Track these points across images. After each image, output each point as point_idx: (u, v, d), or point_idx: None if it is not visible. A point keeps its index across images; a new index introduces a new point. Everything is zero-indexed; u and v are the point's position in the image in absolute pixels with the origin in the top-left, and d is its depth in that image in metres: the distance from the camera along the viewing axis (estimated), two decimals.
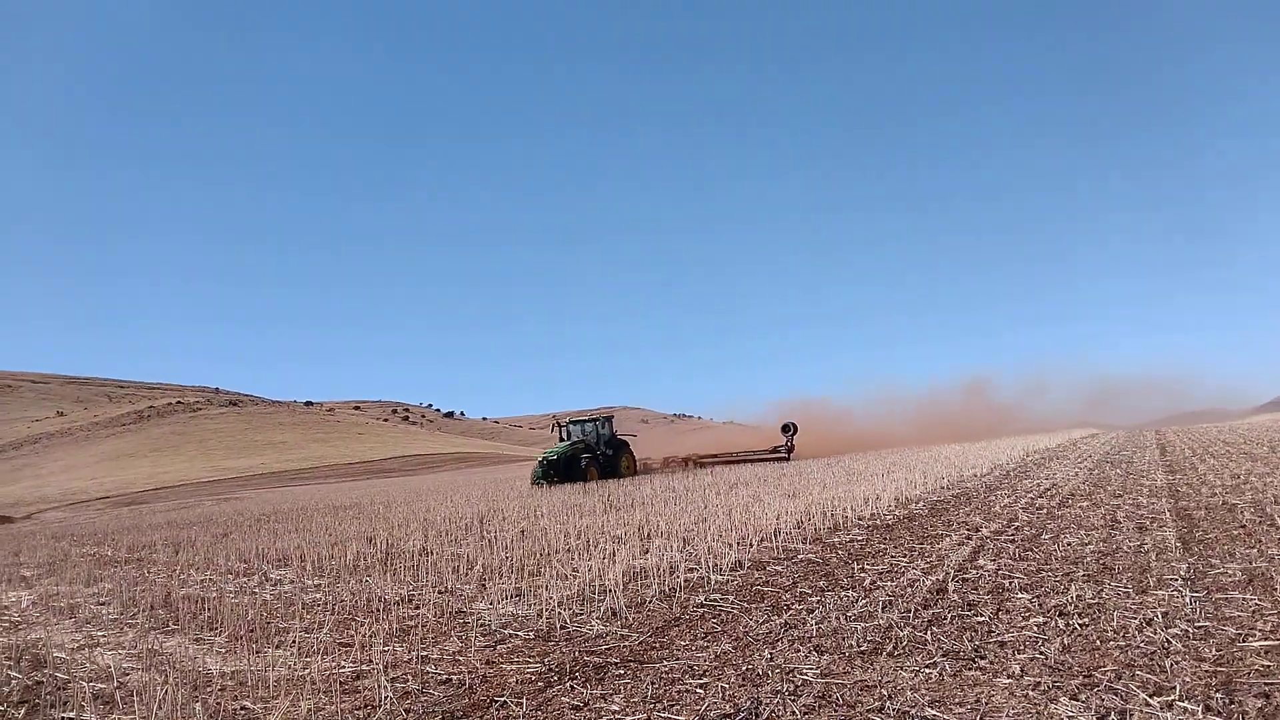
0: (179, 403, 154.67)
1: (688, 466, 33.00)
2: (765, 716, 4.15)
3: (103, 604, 9.48)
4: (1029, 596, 6.18)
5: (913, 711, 4.04)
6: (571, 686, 4.90)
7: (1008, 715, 3.91)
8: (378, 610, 7.60)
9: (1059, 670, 4.47)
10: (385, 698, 4.89)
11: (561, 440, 31.05)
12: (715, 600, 6.87)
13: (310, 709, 4.80)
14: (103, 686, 5.69)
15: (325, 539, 14.38)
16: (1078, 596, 6.03)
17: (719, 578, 7.76)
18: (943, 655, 4.87)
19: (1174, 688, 4.05)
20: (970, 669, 4.61)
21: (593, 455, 29.63)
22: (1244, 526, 8.57)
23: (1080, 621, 5.38)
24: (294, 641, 6.56)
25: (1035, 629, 5.30)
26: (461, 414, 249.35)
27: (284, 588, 9.48)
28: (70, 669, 6.31)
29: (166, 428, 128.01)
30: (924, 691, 4.30)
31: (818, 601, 6.56)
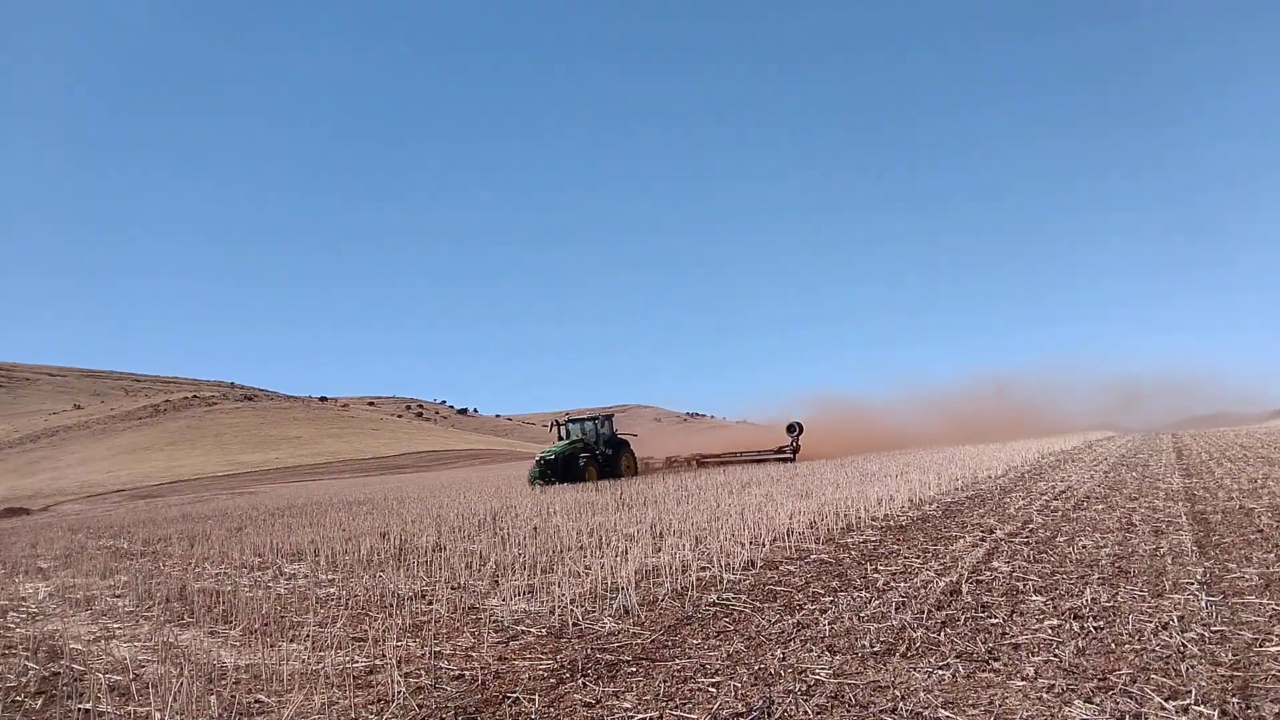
0: (195, 397, 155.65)
1: (691, 466, 32.71)
2: (778, 716, 4.15)
3: (119, 596, 9.56)
4: (1043, 599, 6.16)
5: (926, 713, 4.03)
6: (584, 684, 4.90)
7: (1021, 717, 3.90)
8: (391, 605, 7.62)
9: (1073, 673, 4.45)
10: (398, 693, 4.91)
11: (560, 439, 30.33)
12: (728, 599, 6.87)
13: (324, 703, 4.83)
14: (119, 678, 5.74)
15: (339, 534, 14.44)
16: (1093, 599, 6.01)
17: (731, 577, 7.76)
18: (956, 657, 4.86)
19: (1189, 692, 4.03)
20: (984, 670, 4.60)
21: (591, 455, 28.89)
22: (1261, 531, 8.51)
23: (1095, 624, 5.36)
24: (308, 635, 6.59)
25: (1049, 631, 5.28)
26: (475, 411, 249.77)
27: (298, 582, 9.52)
28: (86, 661, 6.37)
29: (182, 422, 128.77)
30: (937, 693, 4.29)
31: (830, 601, 6.55)
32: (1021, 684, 4.34)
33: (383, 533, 13.96)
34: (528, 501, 18.52)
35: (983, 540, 8.99)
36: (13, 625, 8.30)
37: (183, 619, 7.86)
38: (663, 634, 5.94)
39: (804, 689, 4.49)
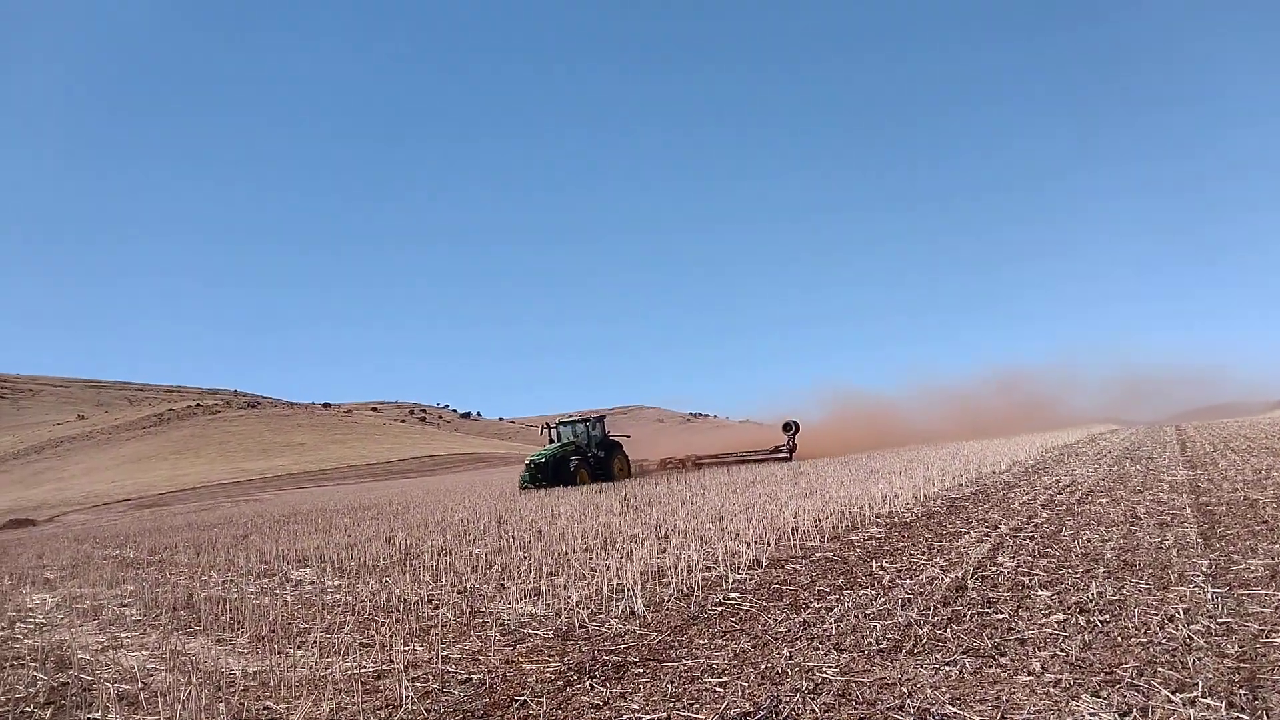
0: (198, 405, 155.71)
1: (686, 468, 32.38)
2: (785, 715, 4.15)
3: (125, 606, 9.58)
4: (1049, 593, 6.16)
5: (933, 709, 4.03)
6: (591, 685, 4.91)
7: (1029, 713, 3.90)
8: (398, 610, 7.64)
9: (1080, 667, 4.45)
10: (406, 697, 4.92)
11: (551, 442, 29.87)
12: (734, 599, 6.87)
13: (332, 709, 4.84)
14: (127, 687, 5.75)
15: (344, 540, 14.45)
16: (1098, 593, 6.01)
17: (737, 576, 7.76)
18: (962, 653, 4.86)
19: (1196, 684, 4.04)
20: (990, 666, 4.60)
21: (583, 457, 28.36)
22: (1266, 522, 8.51)
23: (1101, 618, 5.36)
24: (315, 642, 6.60)
25: (1056, 626, 5.29)
26: (478, 414, 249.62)
27: (304, 588, 9.54)
28: (95, 670, 6.39)
29: (186, 430, 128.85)
30: (944, 689, 4.29)
31: (836, 600, 6.55)
32: (1028, 679, 4.34)
33: (388, 538, 13.98)
34: (532, 504, 18.53)
35: (988, 536, 8.99)
36: (21, 636, 8.32)
37: (190, 627, 7.88)
38: (669, 635, 5.94)
39: (811, 687, 4.49)
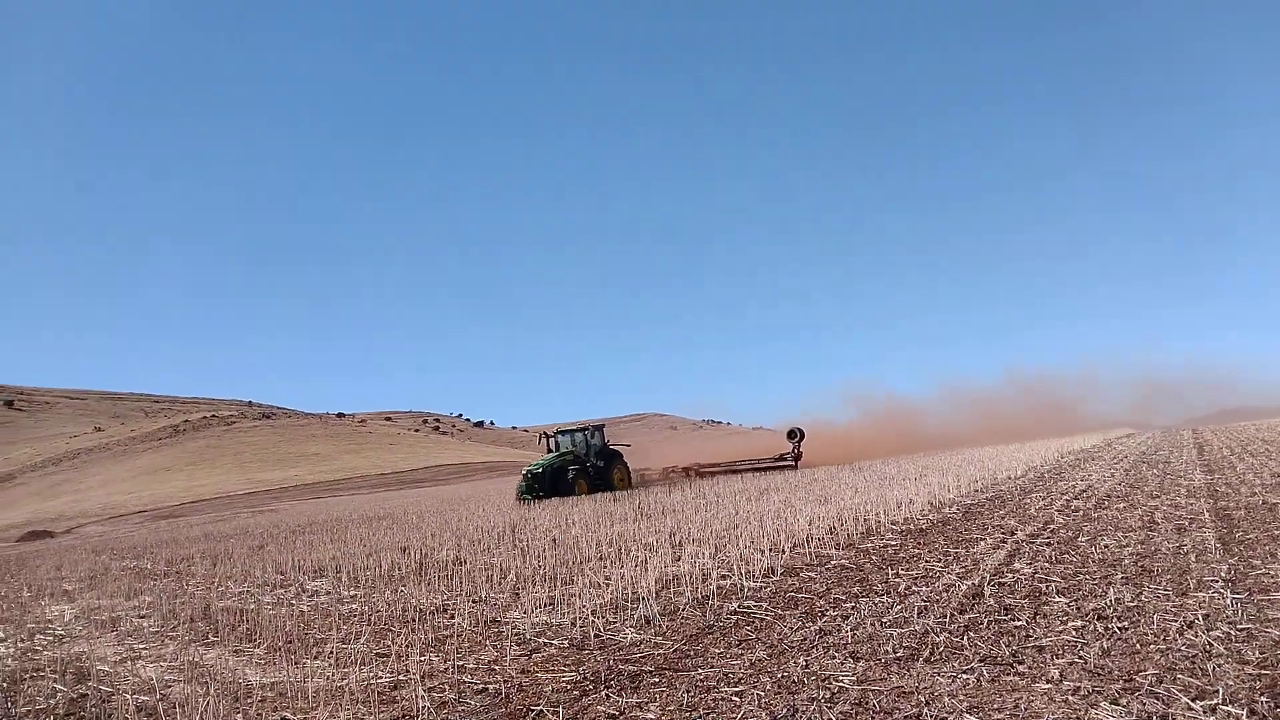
0: (213, 416, 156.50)
1: (689, 477, 31.67)
2: None
3: (143, 617, 9.63)
4: (1066, 600, 6.13)
5: (950, 718, 4.02)
6: (607, 695, 4.91)
7: None
8: (413, 620, 7.65)
9: (1099, 674, 4.43)
10: (423, 707, 4.93)
11: (549, 451, 29.14)
12: (749, 607, 6.86)
13: (349, 719, 4.85)
14: (146, 699, 5.78)
15: (360, 550, 14.50)
16: (1116, 599, 5.97)
17: (752, 585, 7.75)
18: (980, 661, 4.84)
19: (1217, 691, 4.01)
20: (1008, 674, 4.58)
21: (581, 467, 27.61)
22: None
23: (1120, 625, 5.33)
24: (332, 652, 6.63)
25: (1074, 633, 5.26)
26: (491, 423, 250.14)
27: (320, 599, 9.57)
28: (114, 681, 6.42)
29: (202, 441, 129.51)
30: (962, 697, 4.27)
31: (852, 608, 6.53)
32: (1046, 687, 4.32)
33: (403, 547, 14.00)
34: (546, 514, 18.54)
35: (1004, 542, 8.95)
36: (40, 647, 8.38)
37: (207, 638, 7.91)
38: (685, 643, 5.94)
39: (828, 696, 4.48)
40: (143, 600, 11.14)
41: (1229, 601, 5.63)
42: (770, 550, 9.41)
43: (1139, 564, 7.20)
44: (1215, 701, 3.90)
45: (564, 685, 5.20)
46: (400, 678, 5.71)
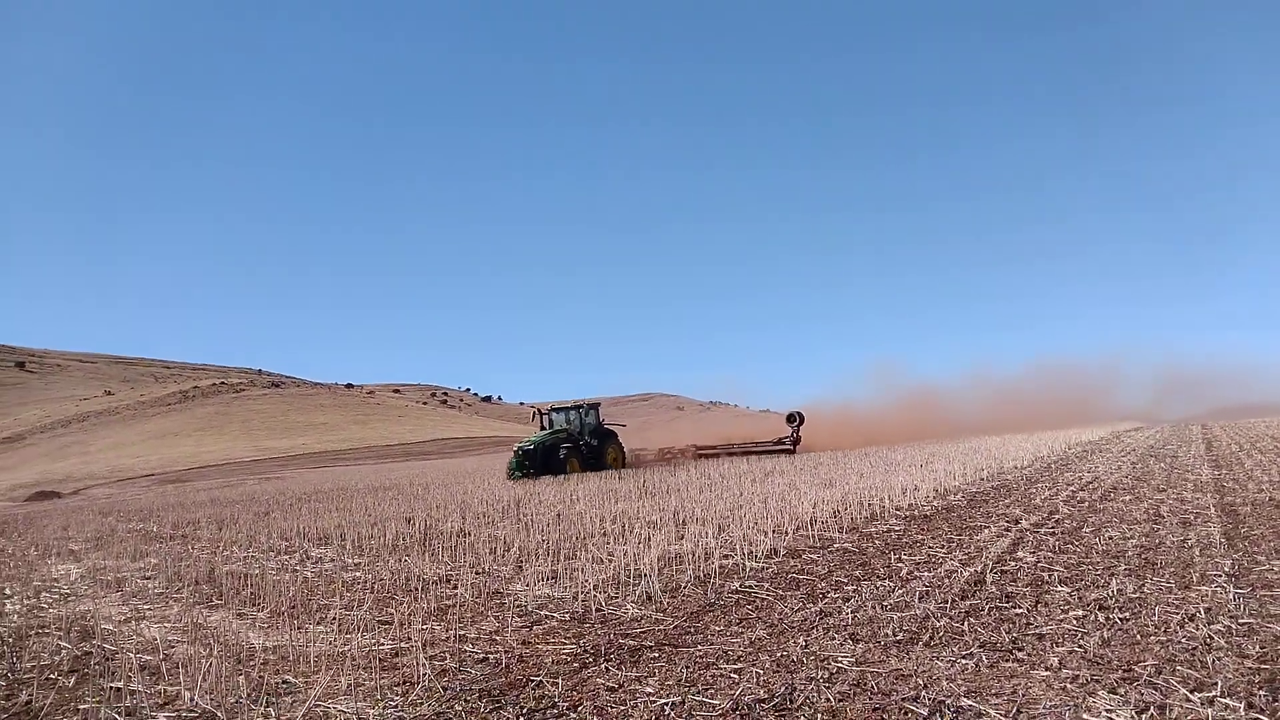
0: (223, 383, 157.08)
1: (685, 458, 31.19)
2: (800, 702, 4.16)
3: (149, 578, 9.70)
4: (1068, 590, 6.12)
5: (948, 701, 4.03)
6: (606, 668, 4.94)
7: (1045, 707, 3.89)
8: (416, 589, 7.69)
9: (1098, 663, 4.43)
10: (424, 675, 4.96)
11: (542, 429, 28.66)
12: (750, 587, 6.88)
13: (350, 684, 4.89)
14: (149, 658, 5.83)
15: (365, 519, 14.57)
16: (1118, 590, 5.97)
17: (754, 565, 7.76)
18: (980, 646, 4.85)
19: (1215, 684, 4.01)
20: (1007, 660, 4.58)
21: (574, 445, 27.05)
22: None
23: (1120, 616, 5.33)
24: (334, 618, 6.67)
25: (1074, 622, 5.26)
26: (499, 398, 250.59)
27: (324, 566, 9.62)
28: (118, 640, 6.47)
29: (210, 408, 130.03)
30: (960, 682, 4.28)
31: (854, 590, 6.54)
32: (1045, 674, 4.32)
33: (408, 518, 14.07)
34: (551, 489, 18.59)
35: (1008, 530, 8.95)
36: (46, 605, 8.45)
37: (211, 601, 7.97)
38: (685, 620, 5.96)
39: (826, 676, 4.50)
40: (148, 562, 11.23)
41: (1231, 596, 5.62)
42: (773, 531, 9.42)
43: (1142, 556, 7.19)
44: (1213, 694, 3.90)
45: (564, 657, 5.22)
46: (402, 645, 5.75)
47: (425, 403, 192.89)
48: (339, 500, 20.85)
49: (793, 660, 4.84)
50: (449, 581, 8.02)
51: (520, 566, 8.49)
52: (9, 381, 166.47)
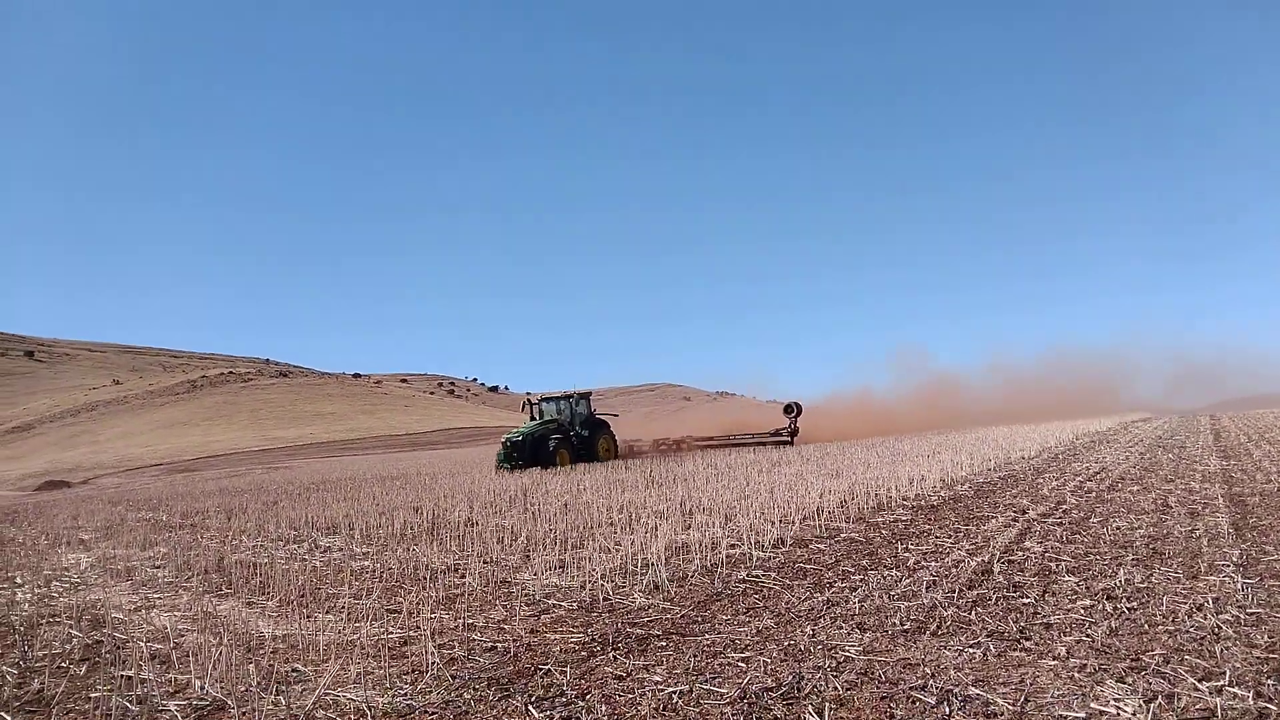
0: (230, 373, 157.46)
1: (680, 449, 30.92)
2: (807, 691, 4.17)
3: (158, 567, 9.74)
4: (1076, 579, 6.12)
5: (956, 690, 4.03)
6: (614, 657, 4.95)
7: (1053, 696, 3.89)
8: (425, 578, 7.72)
9: (1106, 653, 4.43)
10: (432, 663, 4.98)
11: (532, 419, 27.74)
12: (757, 576, 6.89)
13: (359, 672, 4.91)
14: (159, 647, 5.86)
15: (373, 508, 14.61)
16: (1126, 580, 5.96)
17: (761, 554, 7.77)
18: (987, 635, 4.85)
19: (1224, 673, 4.00)
20: (1015, 650, 4.59)
21: (564, 436, 26.42)
22: None
23: (1128, 605, 5.32)
24: (343, 607, 6.70)
25: (1082, 611, 5.26)
26: (506, 388, 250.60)
27: (333, 555, 9.66)
28: (128, 629, 6.51)
29: (219, 397, 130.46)
30: (968, 671, 4.28)
31: (861, 580, 6.55)
32: (1053, 663, 4.33)
33: (416, 507, 14.10)
34: (558, 479, 18.62)
35: (1015, 520, 8.94)
36: (57, 594, 8.50)
37: (220, 590, 8.01)
38: (693, 609, 5.97)
39: (833, 665, 4.50)
40: (157, 551, 11.28)
41: (1239, 585, 5.62)
42: (780, 521, 9.43)
43: (1150, 546, 7.19)
44: (1221, 683, 3.89)
45: (572, 646, 5.24)
46: (410, 634, 5.77)
47: (432, 393, 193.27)
48: (347, 490, 20.91)
49: (800, 649, 4.85)
50: (457, 570, 8.04)
51: (528, 556, 8.51)
52: (18, 371, 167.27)
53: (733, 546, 8.17)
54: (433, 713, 4.26)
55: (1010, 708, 3.79)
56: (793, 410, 30.68)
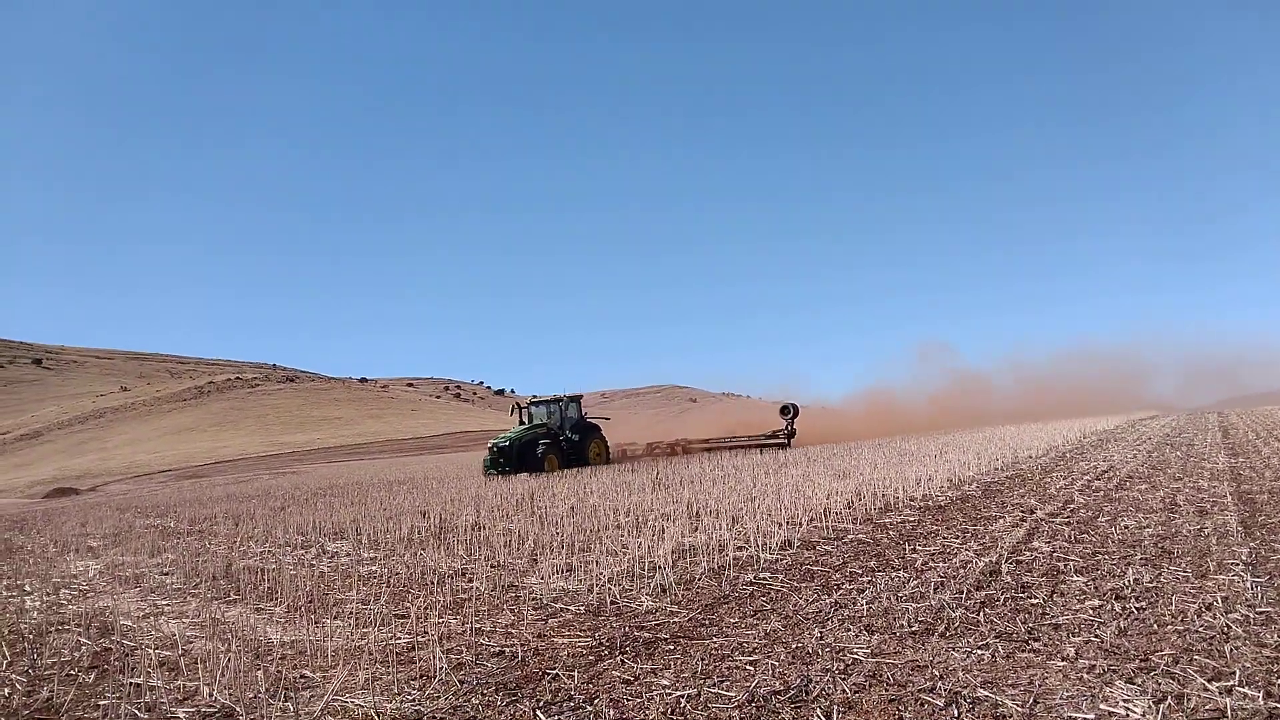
0: (238, 378, 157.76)
1: (674, 453, 30.24)
2: (815, 694, 4.16)
3: (166, 574, 9.77)
4: (1084, 579, 6.10)
5: (965, 692, 4.02)
6: (622, 660, 4.95)
7: (1061, 697, 3.88)
8: (432, 583, 7.72)
9: (1114, 653, 4.42)
10: (440, 668, 4.98)
11: (521, 423, 27.23)
12: (765, 579, 6.88)
13: (368, 678, 4.91)
14: (168, 653, 5.87)
15: (380, 513, 14.63)
16: (1135, 580, 5.95)
17: (768, 556, 7.76)
18: (995, 637, 4.84)
19: (1233, 673, 3.99)
20: (1024, 651, 4.57)
21: (553, 441, 25.91)
22: None
23: (1137, 605, 5.31)
24: (351, 613, 6.70)
25: (1091, 612, 5.24)
26: (512, 391, 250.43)
27: (340, 560, 9.67)
28: (137, 636, 6.52)
29: (226, 403, 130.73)
30: (976, 672, 4.27)
31: (868, 581, 6.54)
32: (1062, 664, 4.31)
33: (423, 512, 14.12)
34: (564, 482, 18.62)
35: (1023, 520, 8.92)
36: (65, 602, 8.52)
37: (229, 596, 8.02)
38: (700, 612, 5.96)
39: (842, 668, 4.50)
40: (166, 558, 11.30)
41: (1249, 584, 5.60)
42: (787, 523, 9.42)
43: (1159, 545, 7.16)
44: (1231, 683, 3.88)
45: (580, 650, 5.24)
46: (418, 639, 5.77)
47: (439, 396, 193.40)
48: (354, 495, 20.94)
49: (808, 652, 4.84)
50: (464, 575, 8.04)
51: (535, 560, 8.51)
52: (26, 378, 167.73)
53: (740, 549, 8.17)
54: (441, 718, 4.26)
55: (1019, 709, 3.78)
56: (789, 412, 29.99)
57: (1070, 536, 7.85)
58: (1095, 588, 5.84)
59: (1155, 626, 4.84)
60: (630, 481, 17.09)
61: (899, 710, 3.90)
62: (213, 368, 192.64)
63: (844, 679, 4.32)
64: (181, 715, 4.55)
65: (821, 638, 5.10)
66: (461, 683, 4.75)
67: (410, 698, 4.55)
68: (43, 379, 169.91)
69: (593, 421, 28.07)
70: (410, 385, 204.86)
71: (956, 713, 3.81)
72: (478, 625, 6.03)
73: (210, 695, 4.81)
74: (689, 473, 18.20)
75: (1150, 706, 3.70)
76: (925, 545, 7.89)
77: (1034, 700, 3.87)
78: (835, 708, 3.97)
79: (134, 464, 78.29)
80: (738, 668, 4.65)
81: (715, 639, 5.27)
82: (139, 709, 4.68)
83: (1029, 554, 7.16)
